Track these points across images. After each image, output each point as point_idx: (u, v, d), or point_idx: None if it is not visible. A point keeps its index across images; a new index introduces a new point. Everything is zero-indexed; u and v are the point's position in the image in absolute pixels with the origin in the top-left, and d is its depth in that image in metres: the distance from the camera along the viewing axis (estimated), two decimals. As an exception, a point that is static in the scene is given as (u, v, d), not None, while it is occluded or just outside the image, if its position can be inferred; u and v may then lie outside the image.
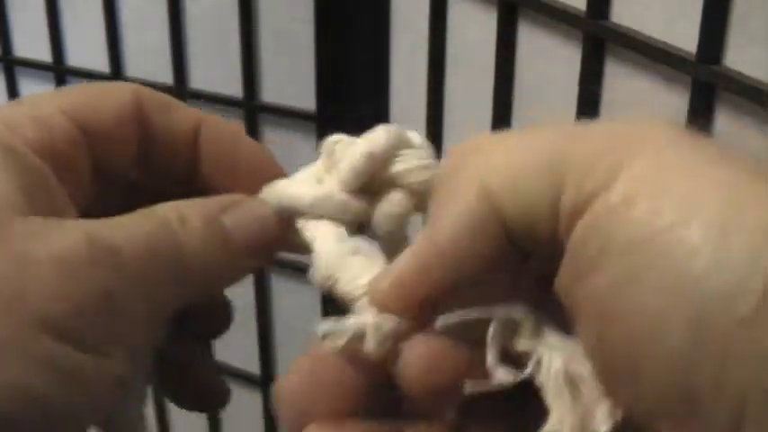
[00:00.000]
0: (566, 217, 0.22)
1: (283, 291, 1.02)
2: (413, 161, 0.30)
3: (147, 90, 0.31)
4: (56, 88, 1.06)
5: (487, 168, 0.24)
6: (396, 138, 0.30)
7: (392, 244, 0.29)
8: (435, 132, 0.80)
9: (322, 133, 0.89)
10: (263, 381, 1.05)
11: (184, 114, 0.31)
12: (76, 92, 0.30)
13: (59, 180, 0.27)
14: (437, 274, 0.24)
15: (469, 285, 0.24)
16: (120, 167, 0.30)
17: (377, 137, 0.30)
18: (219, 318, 0.34)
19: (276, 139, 0.95)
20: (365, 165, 0.30)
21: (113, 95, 0.30)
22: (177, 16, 0.94)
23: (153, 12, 0.96)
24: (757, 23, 0.50)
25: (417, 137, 0.30)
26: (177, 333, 0.30)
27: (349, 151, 0.30)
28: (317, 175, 0.30)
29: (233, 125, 0.33)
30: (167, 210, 0.27)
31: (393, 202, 0.29)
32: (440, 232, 0.24)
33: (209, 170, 0.31)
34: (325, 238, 0.28)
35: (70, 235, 0.25)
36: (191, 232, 0.27)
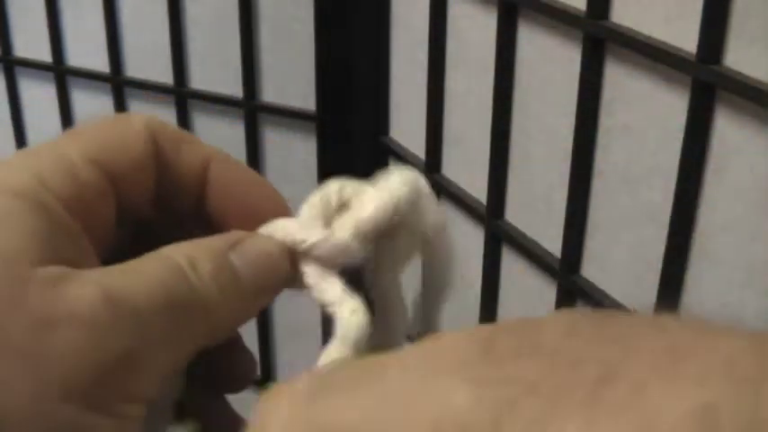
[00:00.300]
0: None
1: (283, 291, 1.02)
2: (429, 208, 0.29)
3: (159, 123, 0.30)
4: (56, 88, 1.06)
5: None
6: (415, 187, 0.29)
7: (389, 293, 0.29)
8: (435, 133, 0.80)
9: (322, 133, 0.90)
10: (264, 381, 1.05)
11: (194, 149, 0.30)
12: (96, 133, 0.29)
13: (85, 230, 0.27)
14: None
15: None
16: (139, 207, 0.30)
17: (399, 188, 0.28)
18: (241, 370, 0.33)
19: (276, 139, 0.95)
20: (388, 215, 0.28)
21: (131, 134, 0.29)
22: (177, 16, 0.94)
23: (153, 12, 0.96)
24: (757, 23, 0.50)
25: (424, 181, 0.29)
26: (195, 388, 0.30)
27: (369, 199, 0.28)
28: (320, 217, 0.29)
29: (240, 162, 0.32)
30: (177, 254, 0.27)
31: (402, 247, 0.29)
32: None
33: (217, 206, 0.31)
34: (332, 290, 0.28)
35: (87, 292, 0.24)
36: (202, 276, 0.26)
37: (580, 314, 0.19)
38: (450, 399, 0.17)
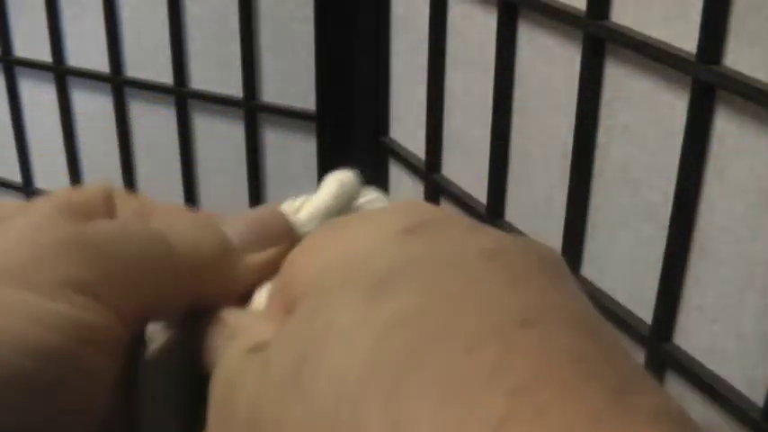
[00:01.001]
0: None
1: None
2: (371, 196, 0.33)
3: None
4: (56, 88, 1.06)
5: None
6: (351, 183, 0.33)
7: None
8: (435, 133, 0.80)
9: (322, 133, 0.90)
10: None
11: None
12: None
13: None
14: None
15: None
16: None
17: (344, 175, 0.33)
18: None
19: (276, 139, 0.95)
20: (337, 200, 0.32)
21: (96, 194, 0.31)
22: (177, 16, 0.94)
23: (153, 12, 0.96)
24: (757, 23, 0.50)
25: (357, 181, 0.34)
26: None
27: (321, 191, 0.32)
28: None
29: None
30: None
31: None
32: None
33: None
34: None
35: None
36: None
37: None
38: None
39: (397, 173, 0.89)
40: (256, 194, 0.98)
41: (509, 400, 0.16)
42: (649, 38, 0.57)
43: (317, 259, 0.24)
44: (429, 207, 0.25)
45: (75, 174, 1.11)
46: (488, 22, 0.71)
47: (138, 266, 0.26)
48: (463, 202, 0.79)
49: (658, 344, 0.61)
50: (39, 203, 0.28)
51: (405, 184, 0.88)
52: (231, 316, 0.27)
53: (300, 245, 0.27)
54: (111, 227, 0.27)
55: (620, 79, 0.61)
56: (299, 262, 0.25)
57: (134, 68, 1.00)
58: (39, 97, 1.09)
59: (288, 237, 0.30)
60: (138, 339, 0.29)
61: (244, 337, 0.25)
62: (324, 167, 0.91)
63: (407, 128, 0.86)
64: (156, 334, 0.29)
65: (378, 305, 0.20)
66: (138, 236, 0.27)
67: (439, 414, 0.16)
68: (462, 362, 0.17)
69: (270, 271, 0.29)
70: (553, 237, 0.69)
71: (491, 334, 0.18)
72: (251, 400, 0.21)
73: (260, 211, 0.31)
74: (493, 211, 0.75)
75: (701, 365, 0.59)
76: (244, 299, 0.29)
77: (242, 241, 0.29)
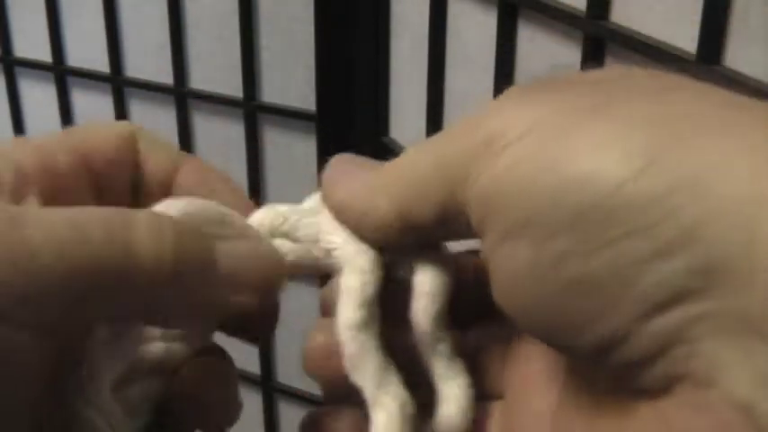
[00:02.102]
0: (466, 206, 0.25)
1: (283, 291, 1.02)
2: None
3: (140, 128, 0.31)
4: (56, 88, 1.06)
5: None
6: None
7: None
8: (435, 132, 0.80)
9: (322, 133, 0.90)
10: (264, 381, 1.05)
11: (167, 151, 0.31)
12: (81, 130, 0.30)
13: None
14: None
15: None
16: (115, 200, 0.30)
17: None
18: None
19: (276, 139, 0.95)
20: None
21: (112, 132, 0.30)
22: (177, 16, 0.94)
23: (153, 12, 0.96)
24: (757, 23, 0.50)
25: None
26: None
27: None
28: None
29: (209, 165, 0.31)
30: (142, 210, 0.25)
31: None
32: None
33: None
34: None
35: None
36: (165, 234, 0.24)
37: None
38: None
39: (397, 173, 0.89)
40: (256, 194, 0.98)
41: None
42: (649, 38, 0.57)
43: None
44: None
45: (75, 174, 1.11)
46: (488, 22, 0.71)
47: (80, 277, 0.22)
48: (463, 202, 0.79)
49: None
50: None
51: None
52: None
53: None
54: (56, 225, 0.23)
55: (620, 79, 0.61)
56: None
57: (134, 68, 1.00)
58: (39, 97, 1.09)
59: (275, 282, 0.29)
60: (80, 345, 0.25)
61: None
62: (324, 167, 0.90)
63: (407, 128, 0.86)
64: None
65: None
66: (91, 236, 0.23)
67: None
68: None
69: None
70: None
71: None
72: None
73: (263, 249, 0.28)
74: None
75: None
76: None
77: (230, 277, 0.26)
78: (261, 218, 0.30)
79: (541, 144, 0.22)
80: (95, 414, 0.25)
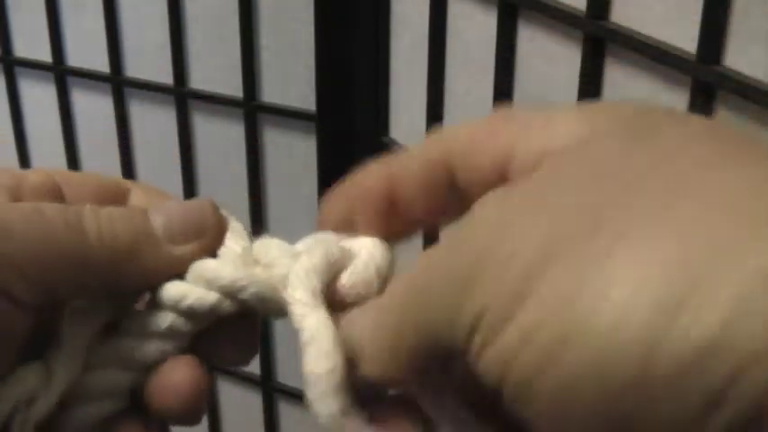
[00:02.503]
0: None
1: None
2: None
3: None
4: (56, 88, 1.06)
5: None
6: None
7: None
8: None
9: (322, 133, 0.90)
10: (264, 381, 1.05)
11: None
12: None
13: None
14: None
15: None
16: None
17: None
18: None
19: (276, 139, 0.95)
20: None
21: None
22: (177, 16, 0.94)
23: (153, 12, 0.96)
24: (757, 23, 0.50)
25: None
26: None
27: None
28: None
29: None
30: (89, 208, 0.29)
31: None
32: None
33: None
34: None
35: None
36: (102, 214, 0.28)
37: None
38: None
39: (397, 173, 0.89)
40: (256, 194, 0.98)
41: None
42: (649, 38, 0.57)
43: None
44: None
45: (75, 174, 1.11)
46: (488, 22, 0.71)
47: (40, 250, 0.26)
48: (463, 202, 0.79)
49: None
50: None
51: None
52: None
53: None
54: (16, 207, 0.27)
55: (620, 79, 0.61)
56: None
57: (134, 68, 1.00)
58: (39, 97, 1.09)
59: (217, 230, 0.30)
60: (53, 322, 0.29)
61: None
62: (324, 167, 0.91)
63: (407, 128, 0.86)
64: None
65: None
66: (46, 219, 0.27)
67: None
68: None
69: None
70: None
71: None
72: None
73: (192, 202, 0.31)
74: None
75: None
76: None
77: (167, 231, 0.29)
78: (251, 247, 0.31)
79: (551, 309, 0.19)
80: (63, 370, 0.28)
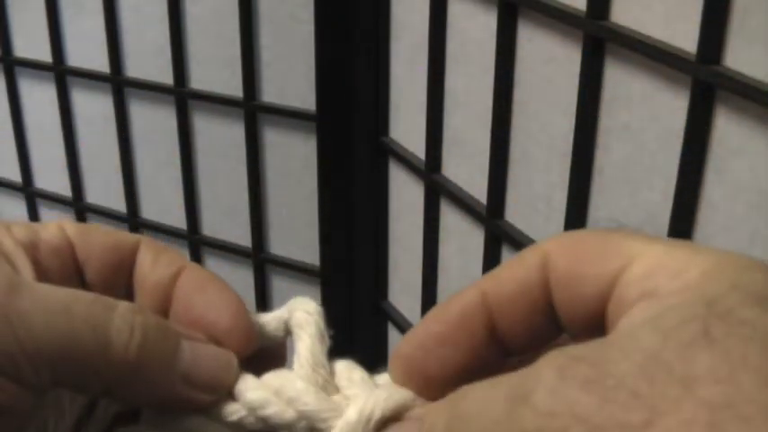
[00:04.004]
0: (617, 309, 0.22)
1: (283, 291, 1.02)
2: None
3: (146, 239, 0.32)
4: (56, 88, 1.06)
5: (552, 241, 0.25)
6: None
7: None
8: (435, 133, 0.80)
9: (322, 133, 0.90)
10: (263, 381, 1.05)
11: (170, 258, 0.32)
12: (82, 232, 0.31)
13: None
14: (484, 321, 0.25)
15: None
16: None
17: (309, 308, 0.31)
18: None
19: (276, 139, 0.95)
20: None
21: (111, 240, 0.31)
22: (177, 16, 0.94)
23: (153, 12, 0.96)
24: (757, 23, 0.50)
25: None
26: None
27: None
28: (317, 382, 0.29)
29: (210, 276, 0.32)
30: (124, 305, 0.27)
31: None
32: (499, 283, 0.25)
33: (179, 310, 0.31)
34: None
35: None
36: (137, 325, 0.27)
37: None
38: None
39: (397, 173, 0.89)
40: (256, 194, 0.98)
41: None
42: (649, 38, 0.57)
43: None
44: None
45: (75, 174, 1.11)
46: (488, 21, 0.71)
47: (57, 350, 0.25)
48: (463, 202, 0.79)
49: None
50: None
51: (405, 184, 0.88)
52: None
53: None
54: (45, 298, 0.26)
55: (620, 79, 0.61)
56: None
57: (134, 68, 1.00)
58: (39, 97, 1.09)
59: (233, 385, 0.29)
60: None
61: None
62: (324, 167, 0.91)
63: (407, 128, 0.86)
64: None
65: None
66: (73, 320, 0.26)
67: None
68: None
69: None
70: (553, 237, 0.69)
71: None
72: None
73: (221, 354, 0.29)
74: (493, 211, 0.75)
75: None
76: None
77: (189, 373, 0.28)
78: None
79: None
80: None
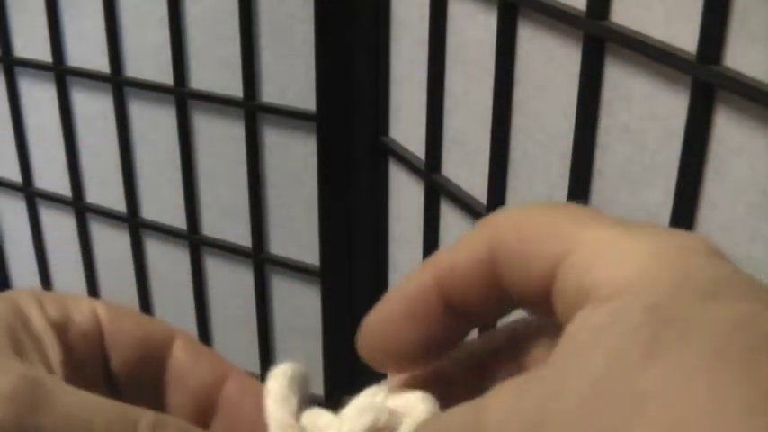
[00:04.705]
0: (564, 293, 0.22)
1: (283, 291, 1.02)
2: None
3: (184, 334, 0.31)
4: (56, 88, 1.06)
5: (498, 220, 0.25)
6: None
7: None
8: (435, 133, 0.80)
9: (322, 133, 0.90)
10: (263, 381, 1.05)
11: (211, 358, 0.31)
12: (114, 319, 0.30)
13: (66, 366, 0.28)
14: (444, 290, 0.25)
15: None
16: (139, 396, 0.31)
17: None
18: None
19: (276, 139, 0.95)
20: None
21: (140, 331, 0.31)
22: (177, 16, 0.94)
23: (153, 12, 0.96)
24: (757, 23, 0.50)
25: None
26: None
27: None
28: None
29: (256, 385, 0.32)
30: (146, 412, 0.26)
31: None
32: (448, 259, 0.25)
33: (228, 424, 0.31)
34: None
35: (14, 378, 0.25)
36: None
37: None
38: None
39: (396, 173, 0.89)
40: (256, 194, 0.98)
41: None
42: (649, 38, 0.57)
43: None
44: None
45: (75, 174, 1.11)
46: (488, 21, 0.71)
47: None
48: (463, 202, 0.79)
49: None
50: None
51: (405, 184, 0.88)
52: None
53: None
54: (68, 412, 0.25)
55: (620, 79, 0.61)
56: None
57: (134, 68, 1.00)
58: (39, 97, 1.09)
59: None
60: None
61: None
62: (324, 167, 0.91)
63: (407, 128, 0.86)
64: None
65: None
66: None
67: None
68: None
69: None
70: (553, 237, 0.69)
71: None
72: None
73: None
74: (493, 212, 0.75)
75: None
76: None
77: None
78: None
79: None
80: None
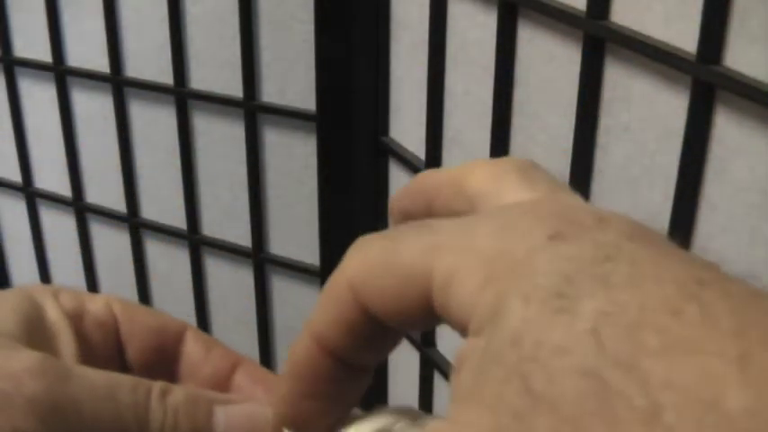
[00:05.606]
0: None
1: (283, 291, 1.02)
2: None
3: (193, 329, 0.33)
4: (56, 88, 1.06)
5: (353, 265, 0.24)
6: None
7: None
8: (435, 133, 0.80)
9: (322, 133, 0.90)
10: (263, 381, 1.05)
11: (222, 350, 0.33)
12: (127, 312, 0.32)
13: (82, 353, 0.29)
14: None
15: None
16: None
17: None
18: None
19: (276, 139, 0.95)
20: None
21: (154, 325, 0.32)
22: (177, 16, 0.94)
23: (153, 12, 0.96)
24: (757, 23, 0.50)
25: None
26: None
27: None
28: None
29: (266, 373, 0.33)
30: (157, 381, 0.28)
31: None
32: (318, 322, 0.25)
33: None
34: None
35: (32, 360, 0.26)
36: (166, 404, 0.28)
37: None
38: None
39: (396, 173, 0.89)
40: (256, 194, 0.98)
41: None
42: (649, 38, 0.57)
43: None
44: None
45: (75, 174, 1.11)
46: (488, 22, 0.71)
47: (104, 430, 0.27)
48: (463, 202, 0.78)
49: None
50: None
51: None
52: None
53: None
54: (91, 385, 0.27)
55: (620, 79, 0.61)
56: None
57: (134, 68, 1.00)
58: (39, 97, 1.09)
59: None
60: None
61: None
62: (324, 167, 0.91)
63: (407, 128, 0.86)
64: None
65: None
66: (118, 407, 0.27)
67: None
68: None
69: None
70: (553, 237, 0.69)
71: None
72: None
73: (257, 411, 0.30)
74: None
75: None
76: None
77: None
78: None
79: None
80: None
